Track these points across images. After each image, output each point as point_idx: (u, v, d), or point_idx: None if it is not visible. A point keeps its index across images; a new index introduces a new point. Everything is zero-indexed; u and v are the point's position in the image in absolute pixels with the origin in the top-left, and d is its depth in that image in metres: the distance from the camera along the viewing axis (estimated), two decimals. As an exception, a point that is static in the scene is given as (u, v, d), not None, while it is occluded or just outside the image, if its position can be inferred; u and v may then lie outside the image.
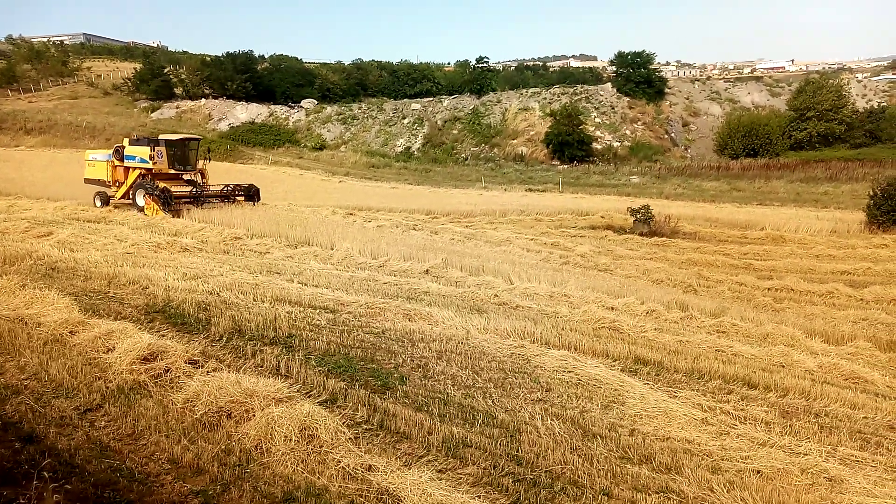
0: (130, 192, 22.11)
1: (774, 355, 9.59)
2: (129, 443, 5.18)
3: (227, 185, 23.97)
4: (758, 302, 16.19)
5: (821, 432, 6.66)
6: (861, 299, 16.69)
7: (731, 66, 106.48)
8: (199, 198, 22.15)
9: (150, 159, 21.62)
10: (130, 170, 22.53)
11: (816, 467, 5.63)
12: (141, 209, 20.75)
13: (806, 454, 5.93)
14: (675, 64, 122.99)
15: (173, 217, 19.53)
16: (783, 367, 9.17)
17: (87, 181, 24.56)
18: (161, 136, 23.25)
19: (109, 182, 23.31)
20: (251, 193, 23.95)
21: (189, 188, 22.51)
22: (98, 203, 22.94)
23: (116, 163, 22.81)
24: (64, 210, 19.87)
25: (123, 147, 22.70)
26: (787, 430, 6.61)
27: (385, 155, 64.27)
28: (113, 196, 23.13)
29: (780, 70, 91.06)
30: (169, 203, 20.22)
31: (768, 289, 17.88)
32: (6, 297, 8.69)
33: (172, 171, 22.66)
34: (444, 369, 7.46)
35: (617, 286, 14.62)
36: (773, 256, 22.40)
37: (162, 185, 21.16)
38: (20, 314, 8.03)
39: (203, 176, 23.79)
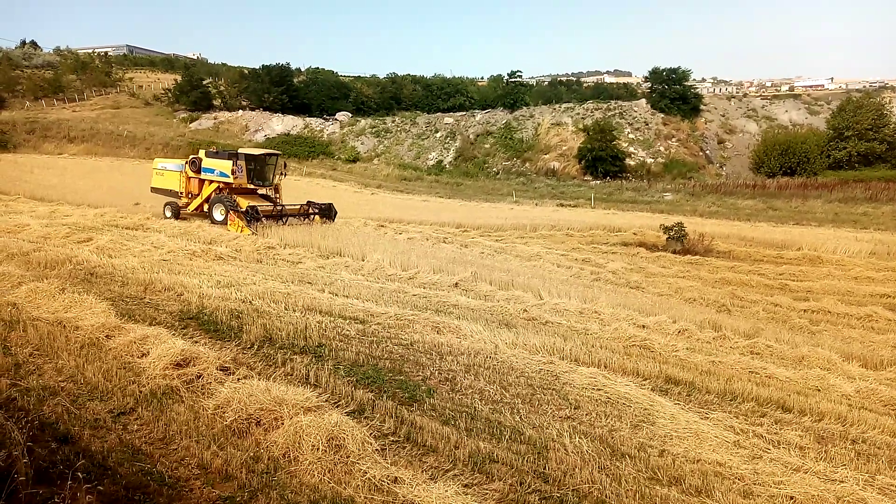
0: (206, 206, 21.86)
1: (810, 379, 9.39)
2: (161, 447, 5.26)
3: (305, 203, 23.10)
4: (793, 324, 15.87)
5: (858, 459, 6.49)
6: (902, 323, 16.25)
7: (768, 84, 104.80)
8: (282, 216, 21.39)
9: (232, 173, 21.24)
10: (207, 182, 22.19)
11: (853, 496, 5.48)
12: (217, 223, 20.49)
13: (842, 481, 5.78)
14: (711, 80, 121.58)
15: (253, 234, 18.83)
16: (819, 390, 8.96)
17: (155, 190, 24.26)
18: (241, 150, 22.76)
19: (181, 193, 22.94)
20: (328, 211, 23.05)
21: (270, 206, 21.97)
22: (168, 214, 22.69)
23: (191, 174, 22.42)
24: (104, 217, 20.28)
25: (200, 159, 22.23)
26: (822, 455, 6.45)
27: (417, 168, 64.61)
28: (184, 207, 22.83)
29: (819, 88, 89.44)
30: (258, 221, 19.63)
31: (804, 310, 17.52)
32: (46, 300, 8.91)
33: (250, 186, 22.34)
34: (471, 383, 7.44)
35: (648, 304, 14.46)
36: (809, 277, 21.94)
37: (239, 199, 20.84)
38: (59, 317, 8.22)
39: (277, 191, 23.19)
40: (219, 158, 21.94)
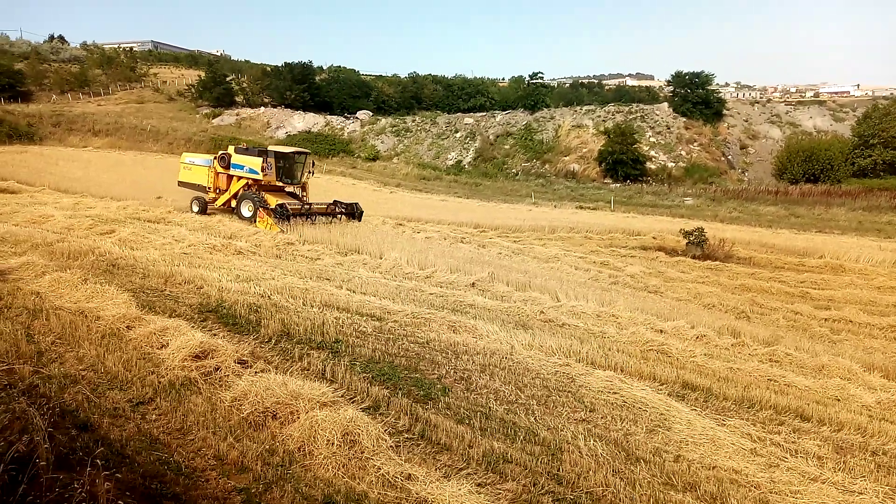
0: (234, 202, 21.87)
1: (830, 388, 9.28)
2: (178, 437, 5.32)
3: (332, 202, 22.93)
4: (814, 332, 15.67)
5: (878, 471, 6.40)
6: (925, 335, 15.98)
7: (792, 90, 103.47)
8: (311, 214, 21.07)
9: (262, 170, 21.17)
10: (235, 179, 22.18)
11: (872, 507, 5.41)
12: (245, 219, 20.47)
13: (861, 493, 5.71)
14: (735, 85, 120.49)
15: (282, 232, 18.69)
16: (839, 400, 8.85)
17: (182, 184, 24.23)
18: (271, 148, 22.65)
19: (209, 188, 22.94)
20: (354, 211, 22.86)
21: (299, 204, 21.67)
22: (195, 208, 22.54)
23: (219, 169, 22.39)
24: (126, 210, 20.48)
25: (230, 155, 22.17)
26: (840, 466, 6.37)
27: (436, 168, 64.68)
28: (211, 203, 22.87)
29: (845, 95, 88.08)
30: (287, 219, 19.50)
31: (825, 319, 17.29)
32: (69, 290, 9.04)
33: (278, 184, 22.29)
34: (486, 383, 7.44)
35: (667, 309, 14.35)
36: (831, 286, 21.65)
37: (268, 197, 20.84)
38: (81, 307, 8.34)
39: (304, 189, 23.12)
40: (249, 155, 21.91)
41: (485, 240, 26.16)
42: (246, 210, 20.95)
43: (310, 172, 23.31)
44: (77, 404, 5.59)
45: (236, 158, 22.02)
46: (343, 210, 22.62)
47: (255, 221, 19.88)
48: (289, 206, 20.10)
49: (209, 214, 22.04)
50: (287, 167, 22.31)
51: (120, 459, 4.71)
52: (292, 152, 22.65)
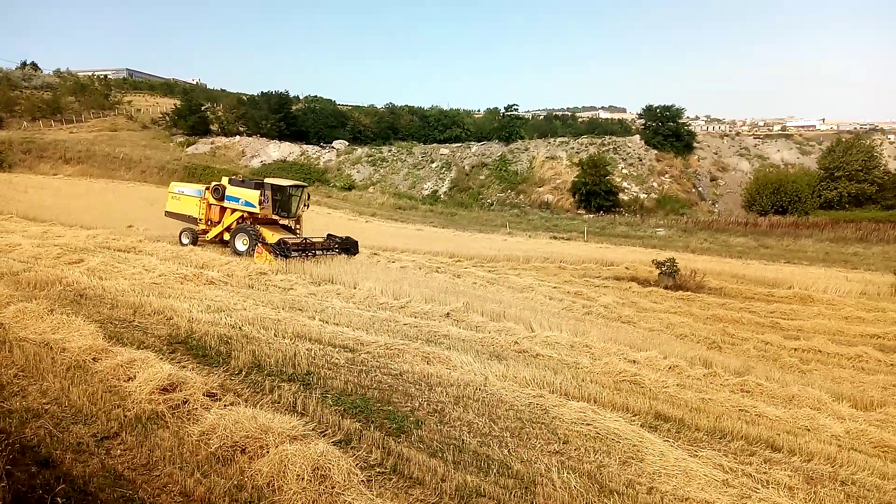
0: (228, 235, 21.22)
1: (800, 418, 9.37)
2: (143, 473, 5.18)
3: (331, 236, 22.70)
4: (784, 362, 15.86)
5: (847, 501, 6.45)
6: (891, 364, 16.26)
7: (760, 123, 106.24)
8: (309, 249, 20.60)
9: (259, 204, 20.64)
10: (229, 211, 21.59)
11: (842, 538, 5.43)
12: (239, 253, 19.85)
13: (831, 523, 5.73)
14: (705, 119, 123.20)
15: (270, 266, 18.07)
16: (809, 430, 8.94)
17: (170, 214, 23.53)
18: (268, 180, 22.08)
19: (200, 219, 22.30)
20: (349, 246, 22.45)
21: (296, 238, 21.31)
22: (185, 241, 21.87)
23: (212, 201, 21.79)
24: (96, 238, 20.18)
25: (224, 186, 21.58)
26: (811, 496, 6.41)
27: (412, 197, 64.92)
28: (202, 235, 22.18)
29: (811, 129, 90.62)
30: (287, 254, 18.99)
31: (795, 349, 17.51)
32: (34, 321, 8.84)
33: (273, 217, 21.80)
34: (460, 415, 7.39)
35: (640, 339, 14.45)
36: (800, 316, 21.99)
37: (263, 230, 20.39)
38: (46, 339, 8.14)
39: (298, 223, 22.63)
40: (244, 187, 21.34)
41: (460, 269, 26.19)
42: (240, 244, 20.35)
43: (305, 205, 22.79)
44: (39, 439, 5.43)
45: (231, 190, 21.43)
46: (338, 245, 22.15)
47: (252, 256, 19.20)
48: (289, 242, 19.67)
49: (199, 245, 21.45)
50: (284, 200, 21.76)
51: (82, 497, 4.58)
52: (290, 185, 22.17)
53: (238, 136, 74.33)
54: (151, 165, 60.60)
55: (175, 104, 77.65)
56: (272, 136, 73.90)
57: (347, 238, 22.87)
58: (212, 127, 76.70)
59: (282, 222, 22.44)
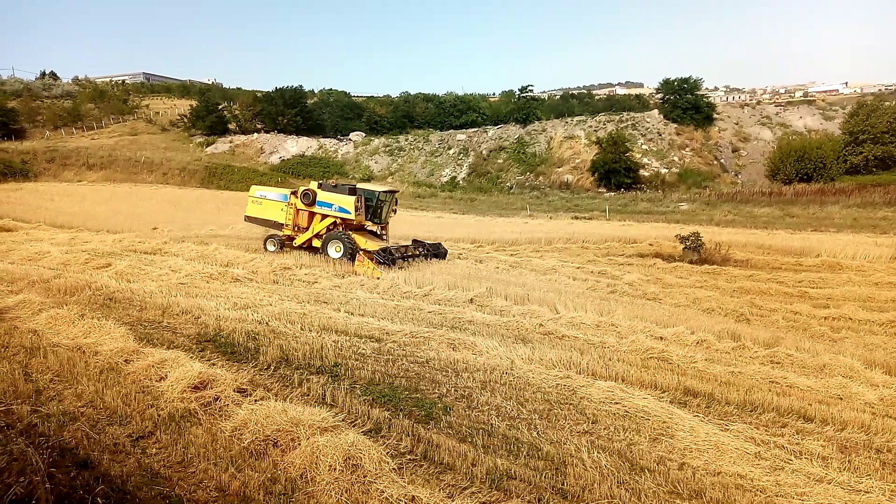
0: (315, 241, 20.89)
1: (832, 387, 9.26)
2: (179, 470, 5.29)
3: (416, 241, 22.22)
4: (814, 331, 15.64)
5: (883, 469, 6.37)
6: (926, 329, 15.96)
7: (781, 91, 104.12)
8: (409, 256, 20.04)
9: (356, 210, 19.98)
10: (319, 217, 20.94)
11: (878, 506, 5.38)
12: (334, 260, 19.40)
13: (867, 492, 5.69)
14: (724, 89, 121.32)
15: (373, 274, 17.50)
16: (841, 399, 8.83)
17: (250, 219, 22.83)
18: (360, 186, 21.52)
19: (286, 224, 21.54)
20: (437, 252, 21.83)
21: (390, 244, 20.72)
22: (271, 248, 21.44)
23: (301, 206, 21.03)
24: (122, 242, 20.50)
25: (314, 192, 20.75)
26: (845, 466, 6.35)
27: (431, 185, 64.96)
28: (288, 241, 21.54)
29: (834, 93, 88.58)
30: (392, 263, 18.41)
31: (825, 318, 17.25)
32: (66, 326, 9.04)
33: (365, 223, 21.32)
34: (488, 400, 7.42)
35: (666, 315, 14.34)
36: (829, 284, 21.64)
37: (355, 236, 20.03)
38: (78, 343, 8.33)
39: (384, 229, 22.04)
40: (338, 193, 20.70)
41: (482, 254, 26.16)
42: (334, 251, 19.88)
43: (393, 211, 22.33)
44: (76, 442, 5.57)
45: (323, 196, 20.72)
46: (429, 250, 21.67)
47: (352, 263, 18.69)
48: (392, 249, 19.37)
49: (284, 251, 21.04)
50: (376, 207, 21.26)
51: (121, 496, 4.69)
52: (385, 191, 21.77)
53: (256, 134, 74.89)
54: (172, 167, 61.34)
55: (192, 105, 78.43)
56: (289, 131, 74.35)
57: (438, 244, 22.49)
58: (229, 126, 77.37)
59: (369, 228, 21.97)
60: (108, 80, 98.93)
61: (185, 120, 76.37)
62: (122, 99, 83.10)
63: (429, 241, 22.53)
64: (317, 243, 20.77)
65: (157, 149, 68.28)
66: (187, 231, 24.76)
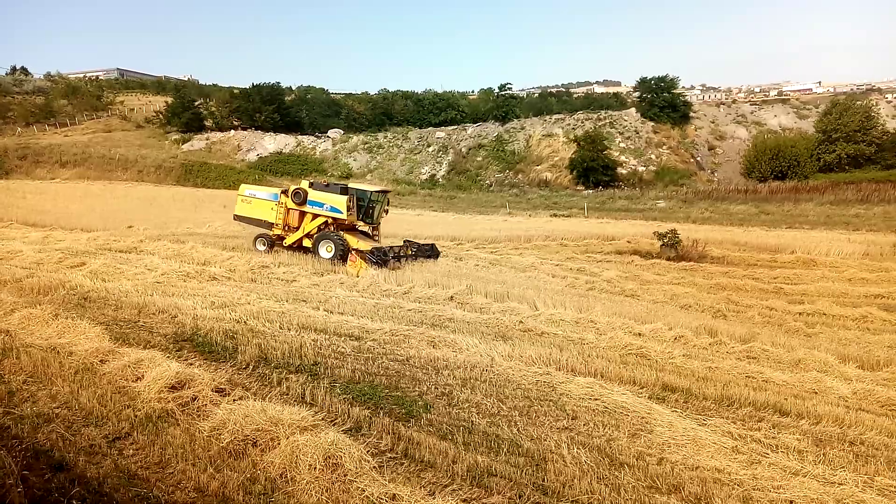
0: (306, 240, 20.59)
1: (807, 381, 9.40)
2: (157, 471, 5.23)
3: (408, 242, 21.85)
4: (789, 327, 15.86)
5: (856, 461, 6.49)
6: (897, 323, 16.27)
7: (756, 90, 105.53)
8: (401, 257, 19.88)
9: (347, 209, 19.72)
10: (310, 216, 20.62)
11: (853, 498, 5.49)
12: (324, 260, 19.26)
13: (841, 484, 5.78)
14: (700, 88, 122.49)
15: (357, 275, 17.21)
16: (816, 393, 8.98)
17: (239, 218, 22.43)
18: (352, 185, 21.30)
19: (275, 224, 21.20)
20: (431, 253, 21.57)
21: (378, 244, 20.55)
22: (261, 247, 21.01)
23: (291, 206, 20.70)
24: (97, 241, 20.17)
25: (306, 191, 20.43)
26: (820, 458, 6.46)
27: (410, 182, 64.82)
28: (278, 240, 21.22)
29: (808, 92, 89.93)
30: (385, 263, 18.18)
31: (799, 313, 17.51)
32: (40, 326, 8.89)
33: (356, 223, 21.03)
34: (468, 397, 7.43)
35: (644, 312, 14.45)
36: (803, 280, 21.96)
37: (347, 236, 19.75)
38: (53, 343, 8.19)
39: (376, 229, 21.80)
40: (329, 192, 20.41)
41: (461, 252, 26.17)
42: (325, 251, 19.64)
43: (384, 211, 22.08)
44: (51, 443, 5.48)
45: (314, 195, 20.40)
46: (416, 250, 21.41)
47: (344, 263, 18.55)
48: (384, 249, 19.15)
49: (274, 251, 20.75)
50: (368, 206, 21.07)
51: (97, 498, 4.62)
52: (377, 191, 21.58)
53: (233, 131, 74.17)
54: (148, 164, 60.49)
55: (167, 102, 77.38)
56: (266, 128, 73.74)
57: (432, 245, 22.29)
58: (206, 123, 76.50)
59: (361, 228, 21.69)
60: (81, 75, 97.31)
61: (161, 116, 75.31)
62: (96, 95, 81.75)
63: (421, 242, 22.26)
64: (307, 243, 20.48)
65: (132, 146, 67.29)
66: (163, 229, 24.44)
